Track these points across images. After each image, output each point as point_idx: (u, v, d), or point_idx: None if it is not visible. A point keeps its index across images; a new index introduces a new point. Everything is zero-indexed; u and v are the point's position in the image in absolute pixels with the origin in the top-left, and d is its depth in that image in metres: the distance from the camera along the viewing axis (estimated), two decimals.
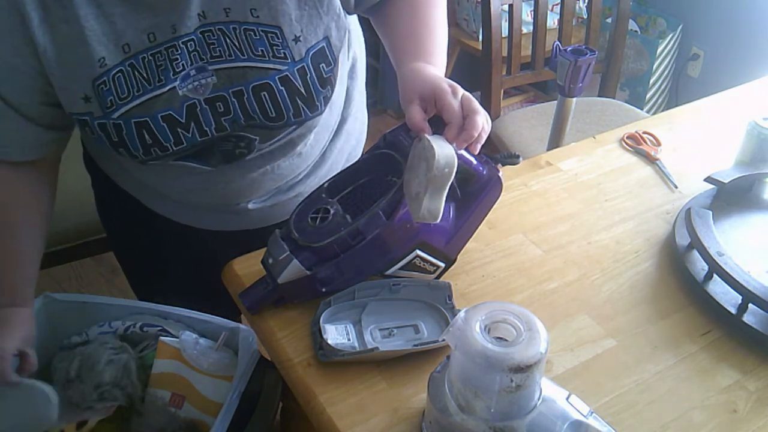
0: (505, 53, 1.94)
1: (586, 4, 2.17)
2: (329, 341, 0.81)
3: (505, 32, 1.91)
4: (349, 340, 0.84)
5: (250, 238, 1.02)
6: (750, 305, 0.89)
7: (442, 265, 0.92)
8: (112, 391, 1.03)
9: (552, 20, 2.34)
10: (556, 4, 2.39)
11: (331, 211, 0.85)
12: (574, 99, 1.49)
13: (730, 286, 0.90)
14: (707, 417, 0.79)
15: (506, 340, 0.65)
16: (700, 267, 0.95)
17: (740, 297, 0.89)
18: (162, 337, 1.07)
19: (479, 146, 0.83)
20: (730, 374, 0.84)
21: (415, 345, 0.83)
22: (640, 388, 0.82)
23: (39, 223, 0.96)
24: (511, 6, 1.88)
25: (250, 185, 1.00)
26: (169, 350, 1.06)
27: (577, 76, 1.42)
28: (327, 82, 0.90)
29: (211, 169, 0.94)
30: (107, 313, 1.14)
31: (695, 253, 0.97)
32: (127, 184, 1.09)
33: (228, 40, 0.84)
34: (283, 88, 0.87)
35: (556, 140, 1.57)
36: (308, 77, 0.88)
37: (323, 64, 0.89)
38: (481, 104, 0.83)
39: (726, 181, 1.06)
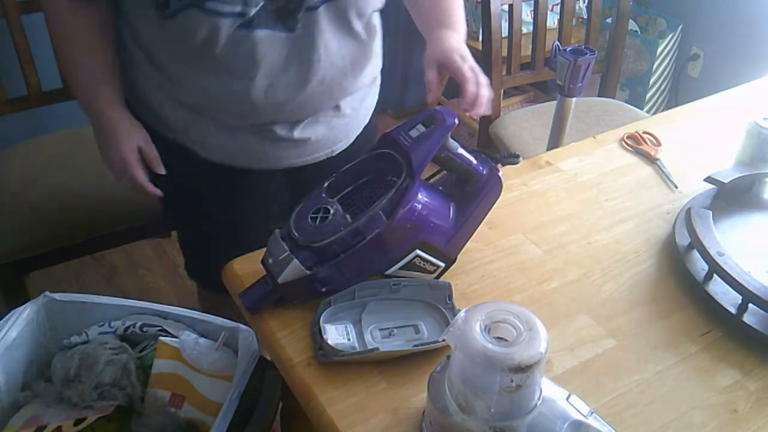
0: (505, 53, 1.94)
1: (586, 4, 2.17)
2: (329, 341, 0.81)
3: (505, 32, 1.91)
4: (349, 340, 0.83)
5: (295, 180, 1.13)
6: (750, 305, 0.89)
7: (442, 264, 0.92)
8: (111, 391, 1.03)
9: (552, 20, 2.33)
10: (556, 4, 2.38)
11: (332, 211, 0.85)
12: (574, 99, 1.49)
13: (730, 286, 0.90)
14: (707, 417, 0.79)
15: (506, 340, 0.65)
16: (700, 267, 0.95)
17: (740, 297, 0.89)
18: (162, 337, 1.08)
19: (482, 109, 1.04)
20: (730, 374, 0.84)
21: (415, 345, 0.83)
22: (640, 388, 0.82)
23: (113, 42, 1.08)
24: (511, 6, 1.88)
25: (304, 87, 1.04)
26: (168, 350, 1.06)
27: (577, 76, 1.42)
28: None
29: (261, 41, 0.97)
30: (107, 313, 1.14)
31: (695, 253, 0.97)
32: (180, 122, 1.10)
33: None
34: None
35: (556, 140, 1.57)
36: None
37: None
38: None
39: (726, 181, 1.06)
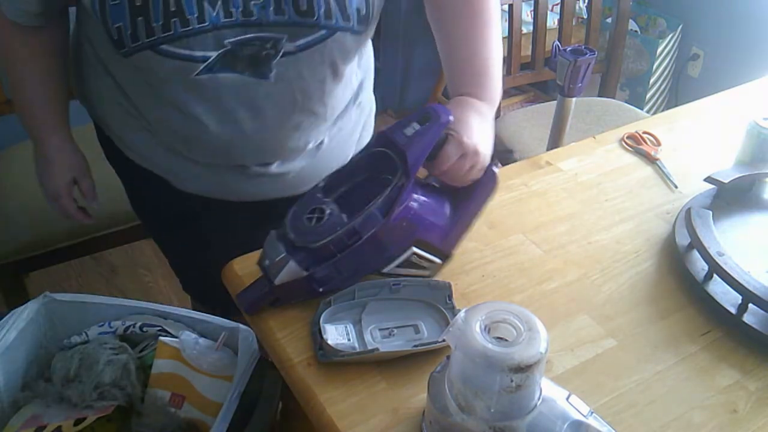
0: (505, 53, 1.94)
1: (586, 4, 2.17)
2: (329, 341, 0.81)
3: (505, 32, 1.91)
4: (349, 340, 0.83)
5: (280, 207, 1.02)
6: (750, 305, 0.89)
7: (439, 261, 0.92)
8: (111, 391, 1.03)
9: (552, 20, 2.33)
10: (556, 4, 2.39)
11: (327, 211, 0.85)
12: (574, 99, 1.49)
13: (730, 286, 0.90)
14: (707, 417, 0.79)
15: (506, 340, 0.65)
16: (700, 267, 0.95)
17: (740, 297, 0.89)
18: (162, 337, 1.08)
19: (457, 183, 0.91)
20: (730, 374, 0.84)
21: (415, 345, 0.83)
22: (640, 388, 0.82)
23: (61, 67, 1.05)
24: (511, 6, 1.88)
25: (277, 132, 0.98)
26: (168, 350, 1.06)
27: (577, 76, 1.42)
28: None
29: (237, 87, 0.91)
30: (107, 313, 1.14)
31: (695, 253, 0.97)
32: (152, 155, 1.07)
33: None
34: None
35: (556, 140, 1.57)
36: None
37: None
38: None
39: (726, 181, 1.06)
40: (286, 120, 0.98)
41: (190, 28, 0.84)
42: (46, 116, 1.07)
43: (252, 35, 0.87)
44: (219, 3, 0.83)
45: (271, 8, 0.85)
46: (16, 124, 1.72)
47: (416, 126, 0.85)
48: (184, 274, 1.35)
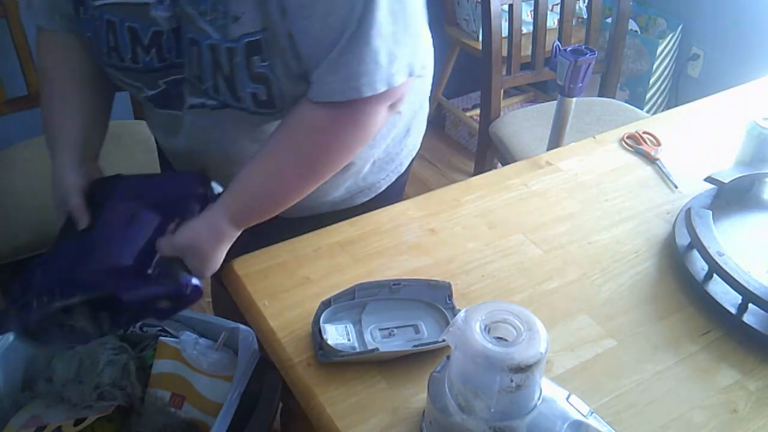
0: (505, 53, 1.94)
1: (586, 4, 2.17)
2: (329, 341, 0.81)
3: (505, 32, 1.91)
4: (349, 340, 0.84)
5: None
6: (750, 305, 0.89)
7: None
8: (111, 391, 1.03)
9: (552, 20, 2.33)
10: (556, 4, 2.38)
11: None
12: (574, 99, 1.49)
13: (730, 286, 0.90)
14: (707, 417, 0.79)
15: (506, 340, 0.65)
16: (700, 267, 0.95)
17: (740, 297, 0.89)
18: (162, 337, 1.08)
19: None
20: (730, 374, 0.84)
21: (415, 345, 0.83)
22: (640, 388, 0.82)
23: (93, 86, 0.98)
24: (511, 6, 1.88)
25: (227, 150, 0.96)
26: (168, 350, 1.06)
27: (577, 76, 1.42)
28: (258, 78, 0.83)
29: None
30: None
31: (695, 253, 0.97)
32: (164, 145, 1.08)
33: None
34: (209, 55, 0.82)
35: (556, 140, 1.57)
36: (235, 61, 0.81)
37: (257, 58, 0.81)
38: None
39: (726, 181, 1.06)
40: (229, 143, 0.95)
41: (128, 66, 0.87)
42: (62, 136, 0.95)
43: (181, 77, 0.88)
44: (153, 50, 0.85)
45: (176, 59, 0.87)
46: (16, 124, 1.72)
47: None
48: None
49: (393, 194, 1.15)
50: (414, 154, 1.16)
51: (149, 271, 0.86)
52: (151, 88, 0.90)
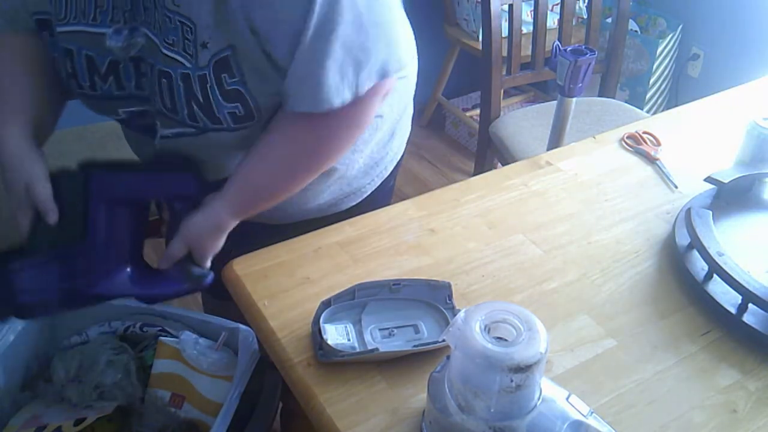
0: (505, 53, 1.94)
1: (586, 4, 2.17)
2: (329, 341, 0.81)
3: (505, 32, 1.91)
4: (349, 340, 0.84)
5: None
6: (750, 305, 0.89)
7: None
8: (111, 391, 1.03)
9: (552, 20, 2.34)
10: (556, 4, 2.39)
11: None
12: (574, 99, 1.49)
13: (730, 286, 0.90)
14: (707, 417, 0.79)
15: (506, 340, 0.65)
16: (700, 267, 0.95)
17: (740, 297, 0.89)
18: (162, 337, 1.08)
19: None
20: (730, 374, 0.84)
21: (415, 345, 0.83)
22: (640, 388, 0.82)
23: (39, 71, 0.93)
24: (511, 6, 1.88)
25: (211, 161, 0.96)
26: (168, 350, 1.06)
27: (577, 76, 1.42)
28: (233, 97, 0.83)
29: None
30: (107, 313, 1.14)
31: (695, 253, 0.97)
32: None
33: (151, 16, 0.82)
34: (182, 84, 0.82)
35: (556, 140, 1.57)
36: (208, 86, 0.82)
37: (226, 75, 0.82)
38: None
39: (726, 181, 1.06)
40: (209, 159, 0.94)
41: (86, 92, 0.88)
42: (6, 115, 0.89)
43: (142, 108, 0.89)
44: (111, 78, 0.86)
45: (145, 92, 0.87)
46: None
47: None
48: None
49: (380, 198, 1.15)
50: (399, 158, 1.16)
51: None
52: (111, 116, 0.91)
